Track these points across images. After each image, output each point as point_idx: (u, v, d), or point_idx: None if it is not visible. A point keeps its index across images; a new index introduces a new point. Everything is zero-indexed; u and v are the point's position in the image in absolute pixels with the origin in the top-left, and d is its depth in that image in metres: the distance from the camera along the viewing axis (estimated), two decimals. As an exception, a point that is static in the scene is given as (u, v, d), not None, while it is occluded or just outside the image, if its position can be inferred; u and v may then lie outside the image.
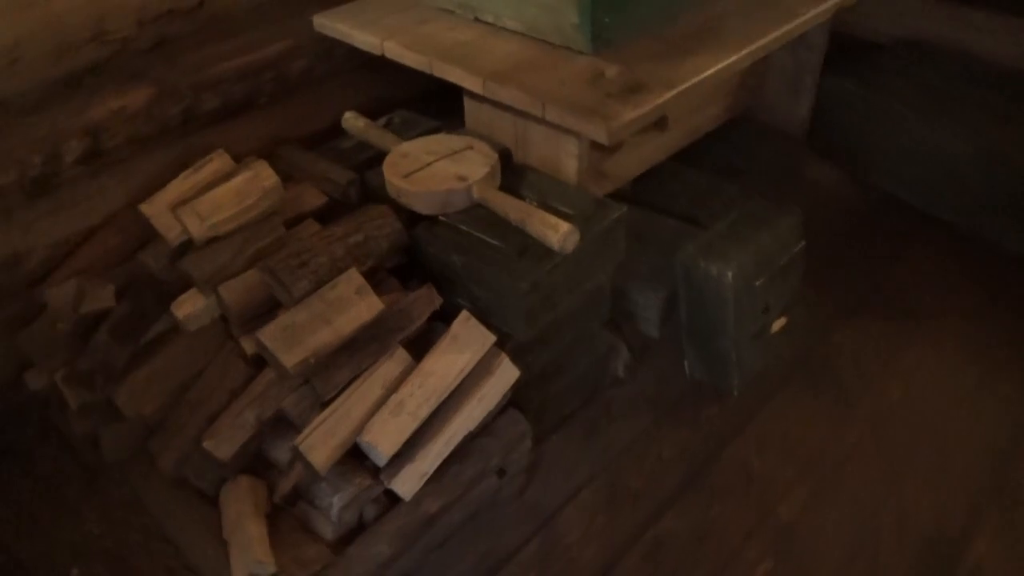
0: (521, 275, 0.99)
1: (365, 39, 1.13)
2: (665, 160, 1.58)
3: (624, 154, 1.47)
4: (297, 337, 0.94)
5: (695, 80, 0.99)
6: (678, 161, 1.63)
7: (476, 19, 1.12)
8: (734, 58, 1.04)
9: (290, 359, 0.93)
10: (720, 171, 1.68)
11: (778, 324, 1.28)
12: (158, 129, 1.12)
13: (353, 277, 0.99)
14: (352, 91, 1.30)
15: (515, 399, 1.08)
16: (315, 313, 0.97)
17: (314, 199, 1.16)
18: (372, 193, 1.15)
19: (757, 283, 1.20)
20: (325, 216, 1.14)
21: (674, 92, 0.96)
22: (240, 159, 1.17)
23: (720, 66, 1.02)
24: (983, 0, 1.79)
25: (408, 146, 1.16)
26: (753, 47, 1.06)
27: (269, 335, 0.94)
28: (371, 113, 1.29)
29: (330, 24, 1.17)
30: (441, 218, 1.08)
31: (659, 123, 1.45)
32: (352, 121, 1.25)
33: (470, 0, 1.11)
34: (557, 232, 0.97)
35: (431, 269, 1.08)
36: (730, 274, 1.16)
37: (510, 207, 1.03)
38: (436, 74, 1.06)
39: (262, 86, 1.21)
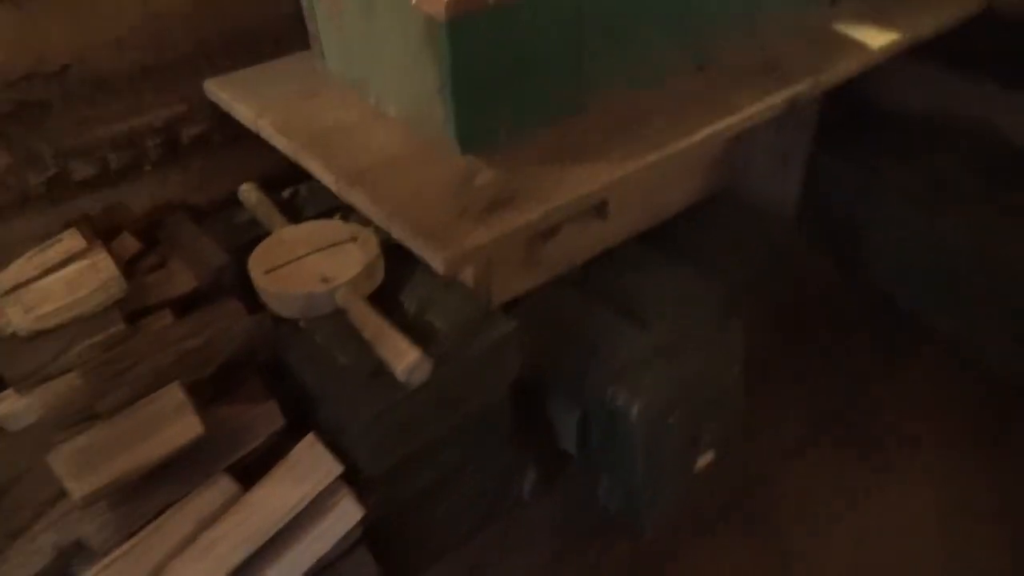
0: (365, 403, 0.86)
1: (243, 112, 1.02)
2: (628, 240, 1.43)
3: (562, 241, 1.32)
4: (95, 461, 0.82)
5: (584, 192, 0.84)
6: (646, 241, 1.47)
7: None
8: (643, 163, 0.89)
9: (80, 488, 0.81)
10: (692, 254, 1.51)
11: (706, 459, 1.11)
12: (17, 198, 1.03)
13: (173, 393, 0.87)
14: (263, 157, 1.19)
15: (378, 529, 0.95)
16: (124, 432, 0.85)
17: (183, 284, 1.04)
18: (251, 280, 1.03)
19: (673, 417, 1.03)
20: (192, 304, 1.03)
21: (549, 207, 0.81)
22: (120, 230, 1.07)
23: (622, 174, 0.87)
24: (1008, 76, 1.59)
25: (290, 232, 1.04)
26: (671, 150, 0.91)
27: (61, 457, 0.82)
28: (284, 181, 1.18)
29: (216, 92, 1.07)
30: (301, 324, 0.96)
31: (598, 209, 1.30)
32: (247, 193, 1.13)
33: (356, 77, 0.99)
34: (402, 362, 0.83)
35: (294, 379, 0.96)
36: (637, 409, 1.00)
37: (365, 321, 0.90)
38: (299, 163, 0.94)
39: (147, 152, 1.11)
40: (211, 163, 1.18)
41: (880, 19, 1.21)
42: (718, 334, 1.11)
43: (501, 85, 0.84)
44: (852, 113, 1.65)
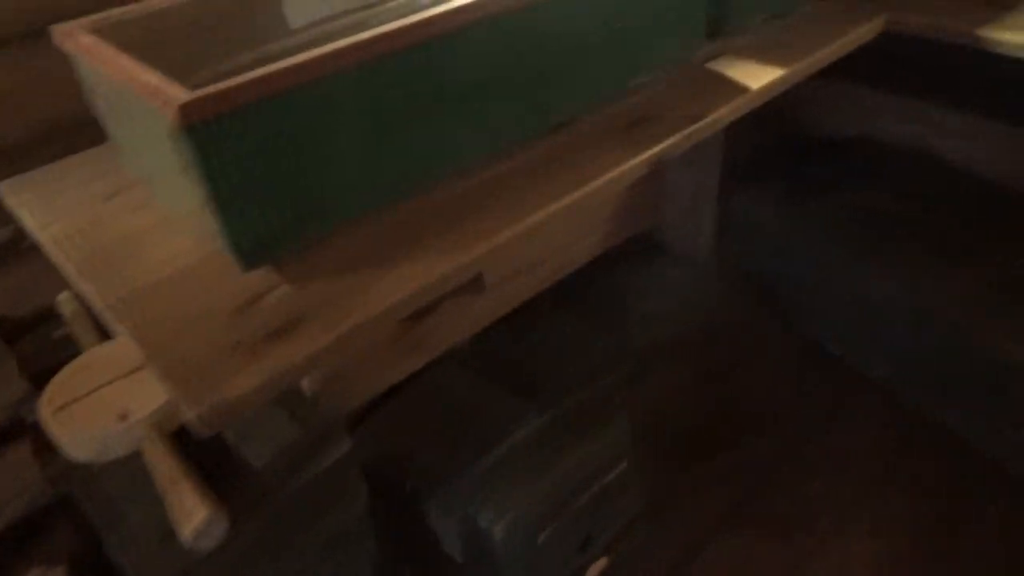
0: (155, 570, 0.72)
1: (27, 222, 0.89)
2: (526, 303, 1.30)
3: (441, 318, 1.20)
4: None
5: (398, 299, 0.71)
6: (553, 297, 1.35)
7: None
8: (470, 257, 0.76)
9: None
10: (603, 308, 1.39)
11: (597, 567, 0.98)
12: None
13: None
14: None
15: None
16: None
17: (-22, 421, 0.91)
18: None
19: (546, 534, 0.90)
20: (-10, 443, 0.90)
21: (345, 329, 0.68)
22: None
23: (440, 275, 0.74)
24: (946, 97, 1.47)
25: (98, 353, 0.91)
26: (505, 236, 0.78)
27: None
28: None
29: (5, 196, 0.94)
30: (95, 469, 0.82)
31: (474, 284, 1.17)
32: (64, 305, 1.00)
33: (144, 176, 0.86)
34: (188, 524, 0.70)
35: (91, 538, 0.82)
36: (500, 529, 0.86)
37: (158, 468, 0.76)
38: (73, 287, 0.80)
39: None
40: (25, 271, 1.05)
41: (766, 54, 1.09)
42: (601, 429, 0.99)
43: (281, 190, 0.71)
44: (773, 141, 1.54)
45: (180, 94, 0.63)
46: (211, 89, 0.62)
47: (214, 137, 0.64)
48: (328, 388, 1.00)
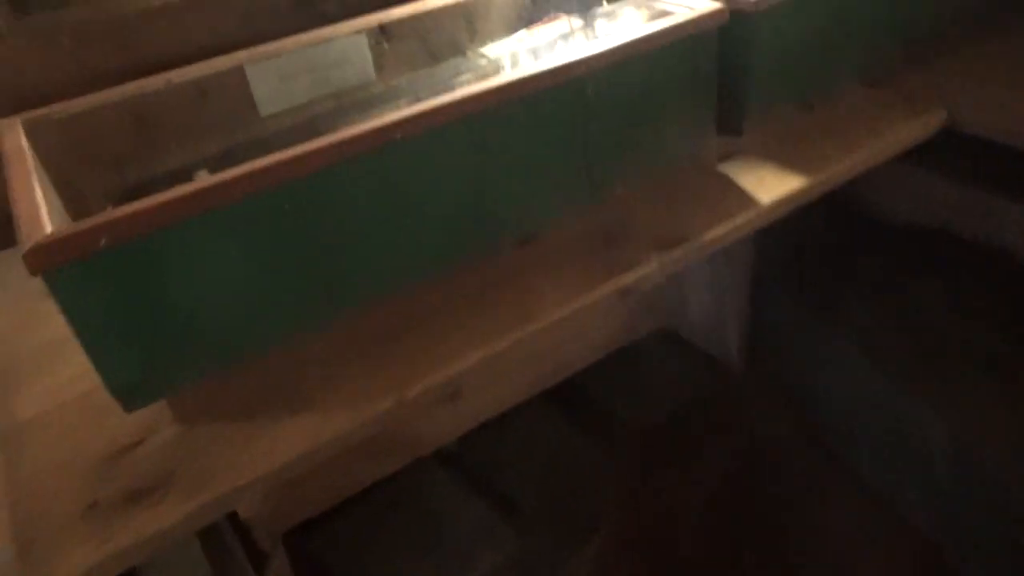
0: None
1: (-37, 317, 0.86)
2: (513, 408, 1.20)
3: (419, 423, 1.11)
4: None
5: (280, 464, 0.63)
6: (551, 398, 1.24)
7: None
8: (368, 415, 0.67)
9: None
10: (606, 409, 1.27)
11: None
12: None
13: None
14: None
15: None
16: None
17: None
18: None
19: None
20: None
21: (206, 501, 0.60)
22: None
23: (337, 433, 0.65)
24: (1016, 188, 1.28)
25: None
26: (424, 385, 0.68)
27: None
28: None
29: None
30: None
31: (450, 394, 1.08)
32: None
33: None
34: None
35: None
36: None
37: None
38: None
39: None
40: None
41: (792, 154, 0.95)
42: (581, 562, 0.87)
43: (159, 331, 0.64)
44: (818, 221, 1.38)
45: (38, 233, 0.58)
46: (57, 234, 0.56)
47: (71, 279, 0.58)
48: (270, 506, 0.93)
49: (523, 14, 1.10)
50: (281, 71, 0.93)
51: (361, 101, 0.99)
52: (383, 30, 0.99)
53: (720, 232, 0.83)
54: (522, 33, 0.96)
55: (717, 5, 0.84)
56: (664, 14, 0.89)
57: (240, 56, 0.91)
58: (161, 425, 0.66)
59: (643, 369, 1.32)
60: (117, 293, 0.60)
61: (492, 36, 1.08)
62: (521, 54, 0.92)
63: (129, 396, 0.65)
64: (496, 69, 0.91)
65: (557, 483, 1.14)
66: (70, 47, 0.94)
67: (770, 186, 0.89)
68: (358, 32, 0.97)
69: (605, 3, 0.94)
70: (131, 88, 0.86)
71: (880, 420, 1.12)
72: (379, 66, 1.01)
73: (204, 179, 0.61)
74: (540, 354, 1.20)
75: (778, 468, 1.23)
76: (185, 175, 0.92)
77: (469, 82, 0.93)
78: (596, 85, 0.79)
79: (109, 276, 0.59)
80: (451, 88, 0.97)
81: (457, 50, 1.04)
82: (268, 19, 1.04)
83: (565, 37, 0.93)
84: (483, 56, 0.91)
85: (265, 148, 0.96)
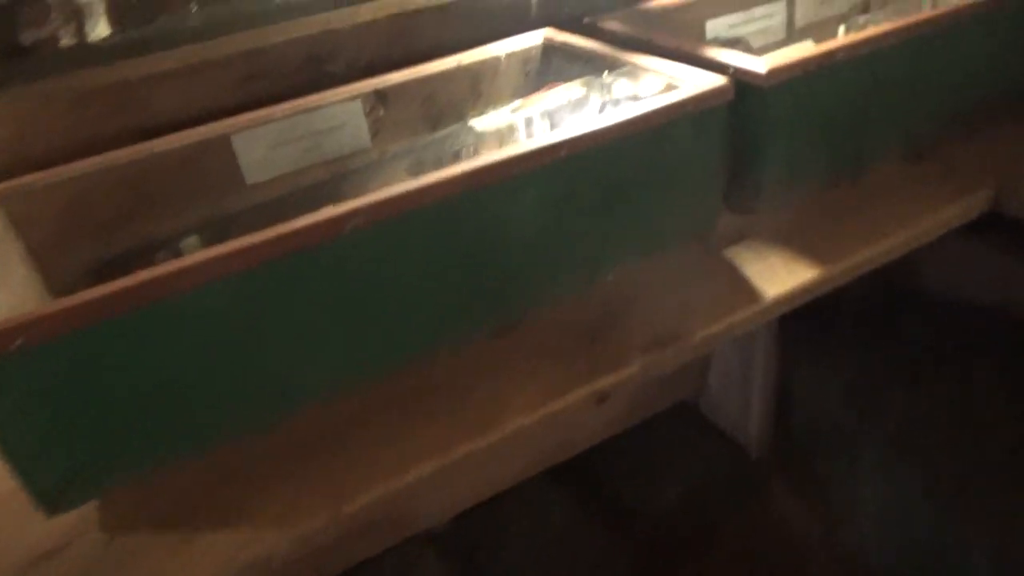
0: None
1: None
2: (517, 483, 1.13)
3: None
4: None
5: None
6: (555, 475, 1.17)
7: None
8: (304, 531, 0.62)
9: None
10: (616, 489, 1.19)
11: None
12: None
13: None
14: None
15: None
16: None
17: None
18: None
19: None
20: None
21: None
22: None
23: (270, 551, 0.60)
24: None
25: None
26: (354, 506, 0.63)
27: None
28: None
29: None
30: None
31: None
32: None
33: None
34: None
35: None
36: None
37: None
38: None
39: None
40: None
41: (812, 237, 0.87)
42: None
43: (92, 430, 0.60)
44: (859, 291, 1.27)
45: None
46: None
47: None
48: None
49: (530, 77, 1.05)
50: (269, 139, 0.91)
51: (354, 169, 0.95)
52: (379, 95, 0.96)
53: (715, 330, 0.75)
54: (517, 103, 0.91)
55: (720, 81, 0.77)
56: (668, 88, 0.83)
57: (227, 124, 0.89)
58: (87, 530, 0.63)
59: (658, 448, 1.23)
60: (39, 389, 0.57)
61: (498, 100, 1.03)
62: (515, 125, 0.87)
63: (51, 500, 0.61)
64: (484, 142, 0.86)
65: (559, 571, 1.07)
66: (68, 111, 0.94)
67: (779, 277, 0.81)
68: (353, 98, 0.94)
69: (607, 73, 0.88)
70: (113, 157, 0.85)
71: (913, 531, 1.01)
72: (375, 132, 0.97)
73: (132, 277, 0.58)
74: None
75: (800, 567, 1.12)
76: (169, 244, 0.90)
77: (465, 149, 0.89)
78: (585, 165, 0.73)
79: (31, 372, 0.56)
80: (447, 157, 0.93)
81: (460, 115, 1.00)
82: (272, 81, 1.02)
83: (560, 109, 0.88)
84: (471, 130, 0.86)
85: (250, 218, 0.94)
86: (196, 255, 0.60)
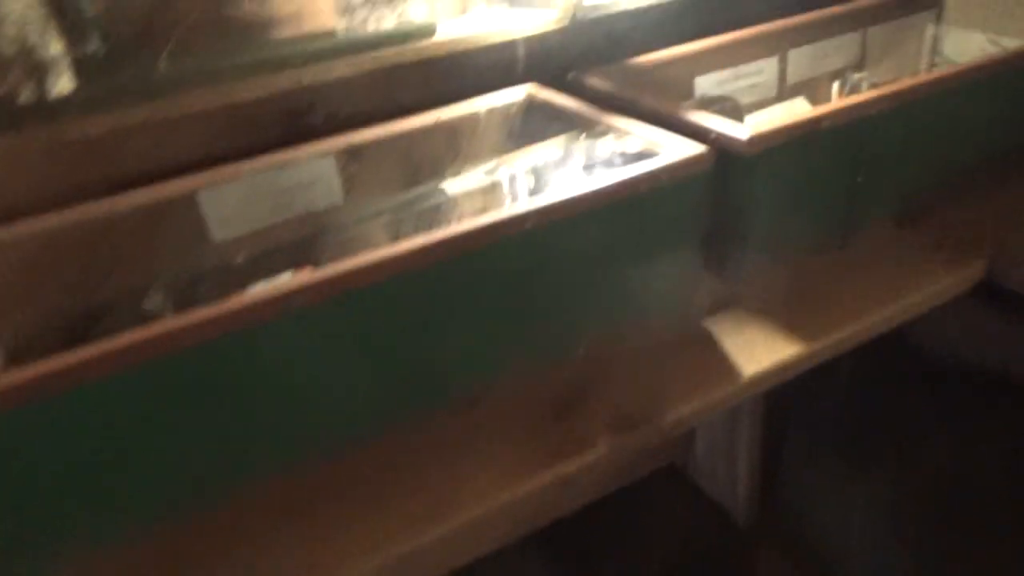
0: None
1: None
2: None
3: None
4: None
5: None
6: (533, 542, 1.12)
7: None
8: None
9: None
10: (595, 550, 1.14)
11: None
12: None
13: None
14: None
15: None
16: None
17: None
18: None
19: None
20: None
21: None
22: None
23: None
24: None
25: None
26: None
27: None
28: None
29: None
30: None
31: None
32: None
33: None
34: None
35: None
36: None
37: None
38: None
39: None
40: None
41: (796, 309, 0.84)
42: None
43: (22, 510, 0.57)
44: (857, 358, 1.23)
45: None
46: None
47: None
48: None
49: (513, 134, 1.03)
50: (238, 195, 0.88)
51: (327, 229, 0.93)
52: (353, 152, 0.94)
53: (687, 411, 0.72)
54: (492, 164, 0.88)
55: (698, 150, 0.75)
56: (646, 153, 0.80)
57: (194, 180, 0.87)
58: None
59: (643, 513, 1.19)
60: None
61: (478, 156, 1.01)
62: (490, 187, 0.85)
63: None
64: (454, 207, 0.83)
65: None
66: (35, 165, 0.92)
67: (758, 353, 0.77)
68: (325, 155, 0.92)
69: (583, 136, 0.86)
70: (76, 213, 0.82)
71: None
72: (348, 188, 0.95)
73: (65, 356, 0.54)
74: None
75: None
76: (134, 301, 0.87)
77: (436, 212, 0.86)
78: (552, 236, 0.70)
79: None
80: (417, 219, 0.90)
81: (438, 171, 0.98)
82: (250, 133, 1.00)
83: (533, 172, 0.85)
84: (442, 192, 0.83)
85: (220, 277, 0.91)
86: (116, 339, 0.56)
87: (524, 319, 0.72)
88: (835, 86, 1.23)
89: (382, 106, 1.03)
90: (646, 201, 0.73)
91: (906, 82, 0.86)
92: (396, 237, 0.88)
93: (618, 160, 0.82)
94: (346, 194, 0.95)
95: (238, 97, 0.91)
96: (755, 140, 0.77)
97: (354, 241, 0.92)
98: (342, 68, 0.94)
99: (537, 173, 0.86)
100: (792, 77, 1.22)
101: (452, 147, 1.00)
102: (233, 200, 0.88)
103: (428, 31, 0.95)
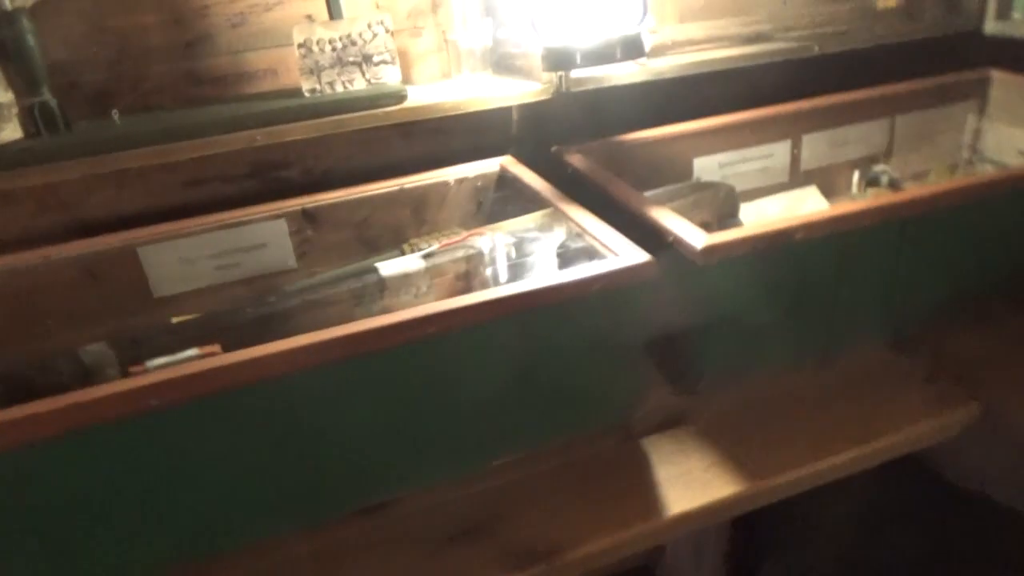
0: None
1: None
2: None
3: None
4: None
5: None
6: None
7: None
8: None
9: None
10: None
11: None
12: None
13: None
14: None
15: None
16: None
17: None
18: None
19: None
20: None
21: None
22: None
23: None
24: None
25: None
26: None
27: None
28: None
29: None
30: None
31: None
32: None
33: None
34: None
35: None
36: None
37: None
38: None
39: None
40: None
41: (741, 439, 0.75)
42: None
43: None
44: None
45: None
46: None
47: None
48: None
49: (484, 206, 0.98)
50: (180, 253, 0.86)
51: (274, 291, 0.88)
52: (308, 215, 0.90)
53: (597, 550, 0.64)
54: (434, 247, 0.83)
55: (642, 258, 0.67)
56: (591, 253, 0.73)
57: (134, 235, 0.84)
58: None
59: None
60: None
61: (445, 227, 0.96)
62: (418, 274, 0.79)
63: None
64: (387, 288, 0.78)
65: None
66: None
67: (694, 488, 0.69)
68: (276, 216, 0.88)
69: (534, 228, 0.80)
70: (8, 261, 0.81)
71: None
72: (301, 253, 0.91)
73: None
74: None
75: None
76: (67, 357, 0.85)
77: (367, 294, 0.81)
78: (470, 341, 0.64)
79: None
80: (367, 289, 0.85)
81: (400, 240, 0.93)
82: (219, 185, 0.98)
83: (470, 260, 0.80)
84: (375, 271, 0.78)
85: (156, 336, 0.88)
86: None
87: (430, 427, 0.66)
88: (855, 176, 1.13)
89: (366, 165, 0.99)
90: (575, 309, 0.67)
91: (899, 196, 0.77)
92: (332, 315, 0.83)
93: (567, 252, 0.76)
94: (299, 258, 0.91)
95: (198, 152, 0.89)
96: (710, 250, 0.70)
97: (298, 313, 0.88)
98: (308, 128, 0.90)
99: (480, 259, 0.80)
100: (808, 163, 1.13)
101: (417, 217, 0.95)
102: (175, 257, 0.86)
103: (398, 96, 0.91)
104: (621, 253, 0.69)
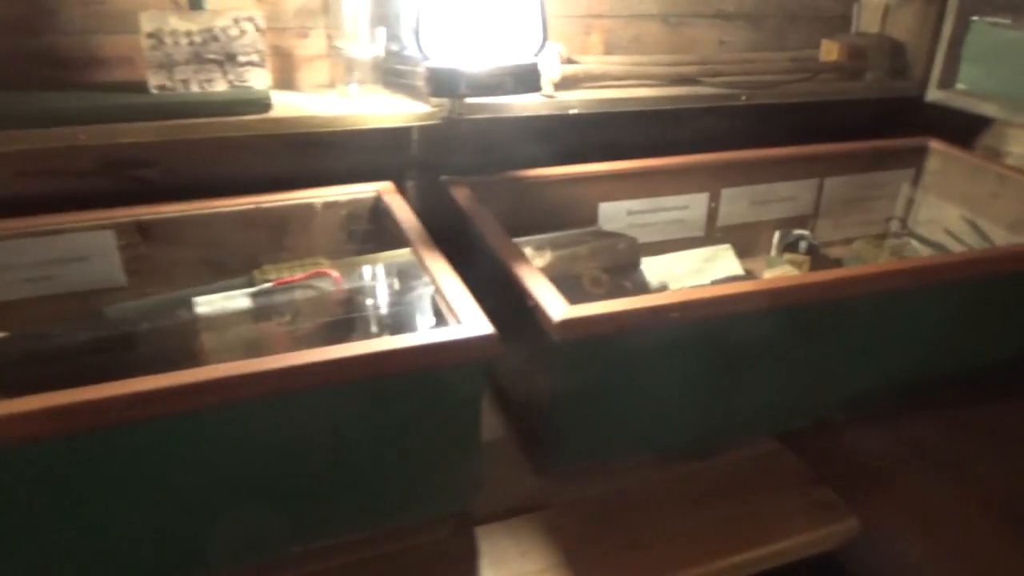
0: None
1: None
2: None
3: None
4: None
5: None
6: None
7: None
8: None
9: None
10: None
11: None
12: None
13: None
14: None
15: None
16: None
17: None
18: None
19: None
20: None
21: None
22: None
23: None
24: None
25: None
26: None
27: None
28: None
29: None
30: None
31: None
32: None
33: None
34: None
35: None
36: None
37: None
38: None
39: None
40: None
41: (578, 546, 0.65)
42: None
43: None
44: None
45: None
46: None
47: None
48: None
49: (355, 236, 0.87)
50: (-18, 259, 0.74)
51: (100, 313, 0.76)
52: (142, 228, 0.78)
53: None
54: (267, 285, 0.72)
55: (485, 331, 0.57)
56: (437, 314, 0.63)
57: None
58: None
59: None
60: None
61: (307, 256, 0.85)
62: (240, 314, 0.68)
63: None
64: (202, 327, 0.67)
65: None
66: None
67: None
68: (102, 227, 0.77)
69: (395, 269, 0.70)
70: None
71: None
72: (132, 270, 0.79)
73: None
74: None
75: None
76: None
77: (185, 331, 0.69)
78: (281, 409, 0.54)
79: None
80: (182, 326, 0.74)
81: (251, 267, 0.82)
82: (72, 181, 0.85)
83: (307, 302, 0.69)
84: (200, 304, 0.67)
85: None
86: None
87: (223, 504, 0.56)
88: (775, 237, 1.05)
89: (238, 175, 0.88)
90: (395, 380, 0.57)
91: (794, 279, 0.69)
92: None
93: (409, 309, 0.66)
94: (130, 276, 0.80)
95: (23, 144, 0.77)
96: (568, 325, 0.60)
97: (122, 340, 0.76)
98: (148, 131, 0.78)
99: (318, 303, 0.70)
100: (726, 219, 1.04)
101: (275, 242, 0.84)
102: (-26, 264, 0.74)
103: (261, 104, 0.80)
104: (464, 321, 0.59)
